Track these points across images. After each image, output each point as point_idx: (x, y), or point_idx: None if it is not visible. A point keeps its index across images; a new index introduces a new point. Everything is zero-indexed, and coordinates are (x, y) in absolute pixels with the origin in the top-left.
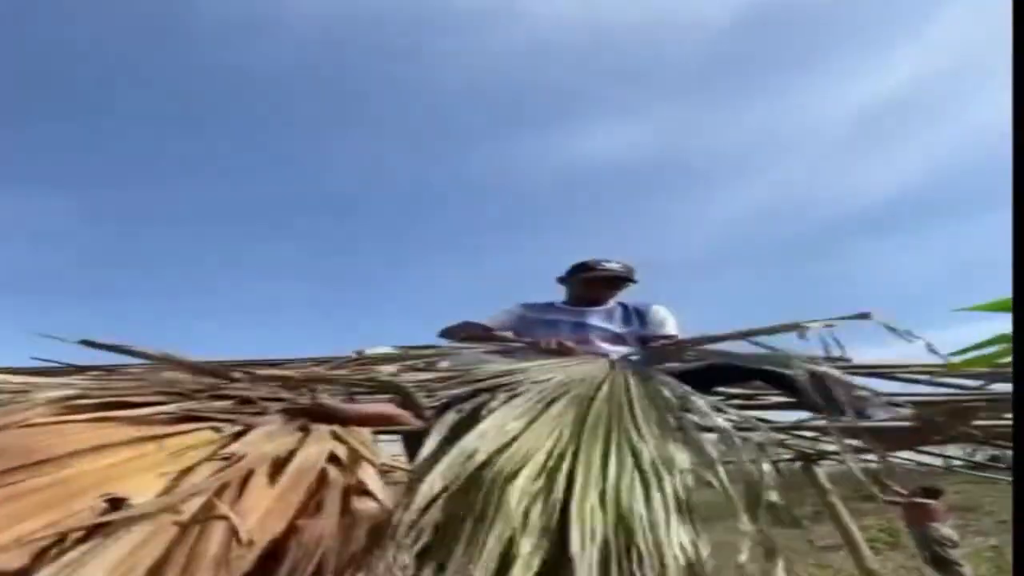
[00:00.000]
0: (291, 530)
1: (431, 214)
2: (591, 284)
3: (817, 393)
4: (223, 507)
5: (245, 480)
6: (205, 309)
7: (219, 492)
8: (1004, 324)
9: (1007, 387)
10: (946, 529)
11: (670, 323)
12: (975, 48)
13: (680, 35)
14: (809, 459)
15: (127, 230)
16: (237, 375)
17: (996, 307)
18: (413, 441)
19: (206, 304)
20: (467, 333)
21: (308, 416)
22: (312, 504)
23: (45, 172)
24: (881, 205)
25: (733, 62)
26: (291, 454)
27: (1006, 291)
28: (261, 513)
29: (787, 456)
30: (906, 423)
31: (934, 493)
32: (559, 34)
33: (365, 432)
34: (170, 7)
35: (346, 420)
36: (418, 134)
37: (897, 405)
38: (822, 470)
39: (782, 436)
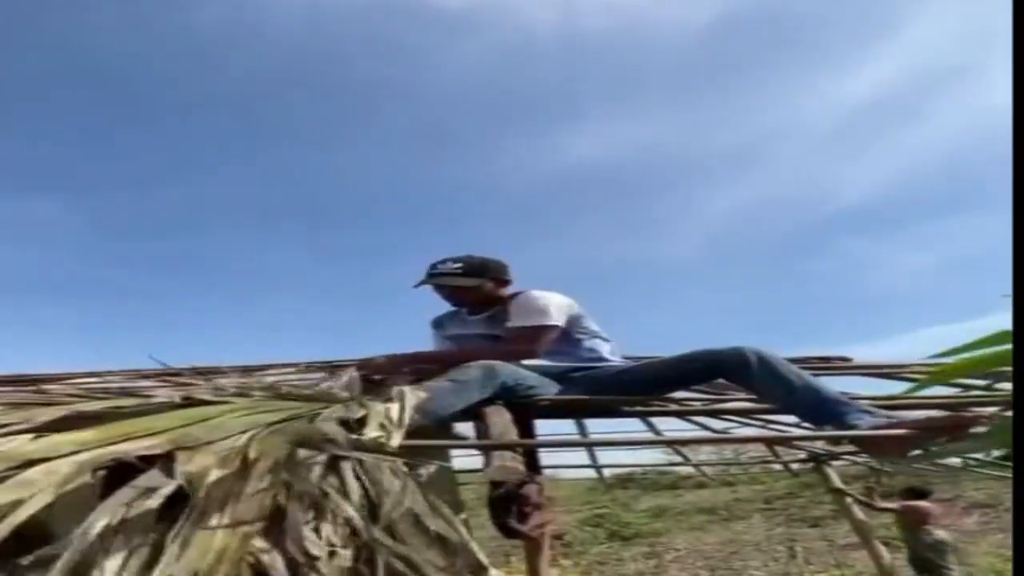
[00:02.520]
0: None
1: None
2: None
3: (768, 380)
4: None
5: None
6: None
7: None
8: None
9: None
10: (941, 532)
11: (528, 313)
12: (954, 49)
13: (661, 37)
14: (820, 460)
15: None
16: None
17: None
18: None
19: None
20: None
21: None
22: None
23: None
24: (871, 203)
25: (716, 62)
26: None
27: (995, 289)
28: None
29: (800, 457)
30: (896, 431)
31: (922, 494)
32: (538, 38)
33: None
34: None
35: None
36: (395, 137)
37: (889, 408)
38: (834, 471)
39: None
